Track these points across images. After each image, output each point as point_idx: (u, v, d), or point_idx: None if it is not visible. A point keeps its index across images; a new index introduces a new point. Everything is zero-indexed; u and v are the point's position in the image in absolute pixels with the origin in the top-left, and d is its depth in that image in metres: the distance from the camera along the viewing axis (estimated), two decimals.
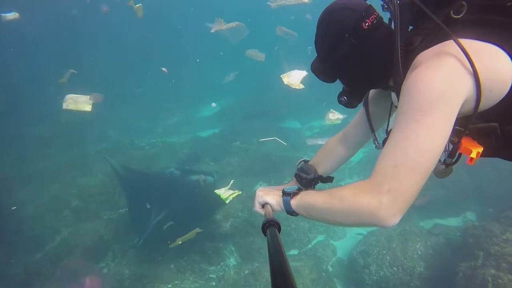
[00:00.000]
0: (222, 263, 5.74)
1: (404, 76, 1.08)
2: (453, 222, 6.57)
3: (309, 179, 1.65)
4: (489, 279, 3.49)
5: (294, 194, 1.26)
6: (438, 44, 1.03)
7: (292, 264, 5.28)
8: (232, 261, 5.83)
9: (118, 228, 6.34)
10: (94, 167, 7.87)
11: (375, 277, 5.05)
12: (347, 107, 1.37)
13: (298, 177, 1.68)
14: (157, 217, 5.25)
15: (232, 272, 5.62)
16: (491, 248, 3.92)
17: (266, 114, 10.33)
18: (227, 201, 4.59)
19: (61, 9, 14.01)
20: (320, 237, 6.45)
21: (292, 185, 1.34)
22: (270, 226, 1.02)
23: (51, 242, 6.42)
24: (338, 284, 5.47)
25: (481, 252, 3.94)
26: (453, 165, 1.18)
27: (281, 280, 0.68)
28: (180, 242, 4.52)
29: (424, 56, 1.04)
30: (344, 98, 1.33)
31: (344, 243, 6.36)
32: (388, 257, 5.12)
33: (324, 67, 1.29)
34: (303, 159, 1.75)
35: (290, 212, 1.27)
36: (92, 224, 6.32)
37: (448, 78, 0.95)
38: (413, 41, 1.13)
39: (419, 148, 0.94)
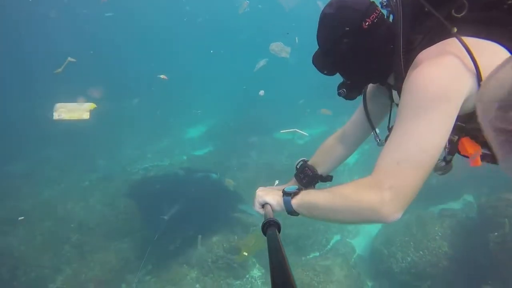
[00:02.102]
0: (247, 276, 5.56)
1: (405, 74, 1.08)
2: (455, 205, 6.92)
3: (309, 179, 1.65)
4: None
5: (295, 194, 1.24)
6: (440, 42, 1.04)
7: (322, 264, 5.26)
8: (256, 272, 5.67)
9: (129, 257, 5.96)
10: (90, 198, 7.41)
11: (403, 264, 5.14)
12: (346, 99, 1.39)
13: (298, 177, 1.68)
14: (171, 212, 5.32)
15: (259, 283, 5.46)
16: None
17: (255, 129, 10.45)
18: None
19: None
20: (336, 237, 6.50)
21: (292, 185, 1.34)
22: (270, 226, 1.02)
23: (51, 283, 5.87)
24: (367, 278, 5.49)
25: (506, 219, 4.20)
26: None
27: (281, 280, 0.68)
28: (246, 254, 4.23)
29: (426, 54, 1.04)
30: (343, 90, 1.35)
31: (359, 240, 6.45)
32: (412, 243, 5.26)
33: (325, 61, 1.31)
34: (302, 159, 1.74)
35: (291, 212, 1.26)
36: (100, 256, 5.88)
37: (450, 76, 0.96)
38: (414, 39, 1.13)
39: (421, 145, 0.95)
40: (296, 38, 6.58)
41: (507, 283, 3.87)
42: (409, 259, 5.14)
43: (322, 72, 1.34)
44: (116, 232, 6.54)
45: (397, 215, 0.96)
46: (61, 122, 4.23)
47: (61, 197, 7.67)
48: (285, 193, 1.26)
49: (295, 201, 1.23)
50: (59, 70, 5.28)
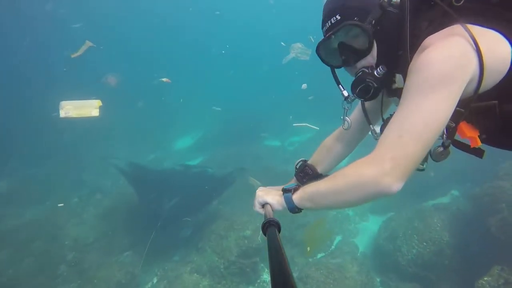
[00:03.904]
0: (258, 280, 5.53)
1: (411, 59, 1.12)
2: (444, 200, 7.35)
3: (309, 177, 1.67)
4: None
5: (295, 189, 1.26)
6: (446, 28, 1.10)
7: (334, 261, 5.37)
8: (266, 276, 5.65)
9: (133, 271, 5.72)
10: (83, 214, 7.06)
11: (409, 256, 5.36)
12: (359, 98, 1.35)
13: (298, 176, 1.70)
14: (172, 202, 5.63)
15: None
16: (511, 199, 4.57)
17: (244, 137, 10.55)
18: None
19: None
20: (339, 237, 6.65)
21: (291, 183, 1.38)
22: (270, 226, 1.03)
23: None
24: (374, 274, 5.65)
25: (504, 204, 4.57)
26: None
27: (281, 280, 0.69)
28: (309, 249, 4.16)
29: (433, 38, 1.09)
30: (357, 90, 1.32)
31: (360, 239, 6.64)
32: (415, 235, 5.50)
33: (332, 48, 1.27)
34: (302, 159, 1.75)
35: (293, 208, 1.26)
36: (103, 272, 5.58)
37: (457, 57, 1.01)
38: (419, 25, 1.19)
39: (425, 120, 0.99)
40: (311, 37, 6.64)
41: None
42: (414, 251, 5.36)
43: (327, 62, 1.32)
44: (116, 246, 6.27)
45: (398, 185, 0.99)
46: (68, 119, 4.01)
47: (49, 215, 7.22)
48: (285, 191, 1.27)
49: (296, 196, 1.23)
50: (77, 53, 4.86)
